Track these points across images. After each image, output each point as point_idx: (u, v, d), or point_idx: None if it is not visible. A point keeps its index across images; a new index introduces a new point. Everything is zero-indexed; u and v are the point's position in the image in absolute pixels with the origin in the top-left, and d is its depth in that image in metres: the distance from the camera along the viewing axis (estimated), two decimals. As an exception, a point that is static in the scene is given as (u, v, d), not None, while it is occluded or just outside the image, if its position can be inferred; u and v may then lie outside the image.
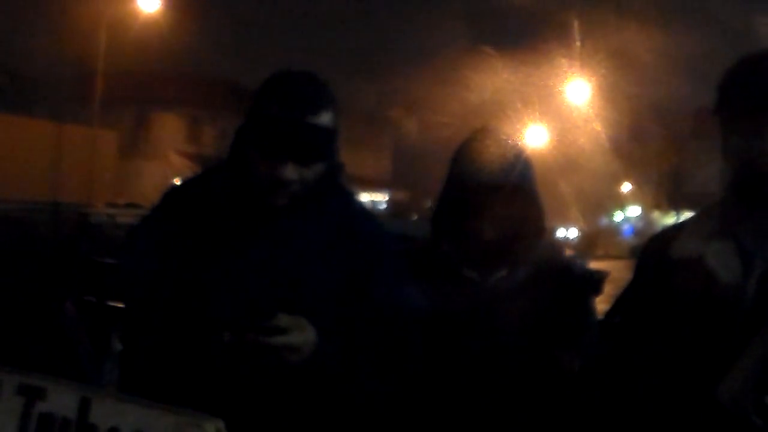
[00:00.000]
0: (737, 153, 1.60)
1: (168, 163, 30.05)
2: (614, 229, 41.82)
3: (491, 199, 1.83)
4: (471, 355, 1.83)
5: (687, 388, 1.55)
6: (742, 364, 1.47)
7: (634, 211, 44.93)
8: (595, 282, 1.89)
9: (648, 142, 37.89)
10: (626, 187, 43.33)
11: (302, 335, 1.59)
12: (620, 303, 1.76)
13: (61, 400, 1.50)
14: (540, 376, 1.80)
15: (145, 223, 1.88)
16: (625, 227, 42.79)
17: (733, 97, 1.62)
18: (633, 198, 43.70)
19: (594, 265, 2.29)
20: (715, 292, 1.55)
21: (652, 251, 1.73)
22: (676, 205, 37.71)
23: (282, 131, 1.66)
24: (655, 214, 42.48)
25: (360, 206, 1.89)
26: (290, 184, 1.68)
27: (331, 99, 1.74)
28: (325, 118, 1.70)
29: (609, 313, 1.79)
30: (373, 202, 47.76)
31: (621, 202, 44.50)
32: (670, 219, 40.50)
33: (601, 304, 1.89)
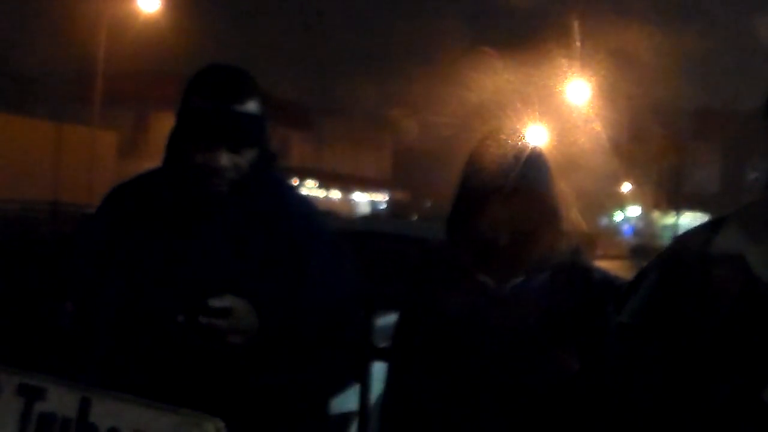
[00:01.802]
0: None
1: (168, 163, 29.98)
2: (614, 229, 41.80)
3: (506, 203, 1.78)
4: (484, 363, 1.79)
5: (727, 393, 1.52)
6: None
7: (634, 211, 44.92)
8: (615, 289, 1.83)
9: (648, 142, 37.89)
10: (626, 187, 43.35)
11: (246, 318, 1.67)
12: (638, 305, 1.71)
13: (61, 400, 1.50)
14: (556, 386, 1.76)
15: (89, 221, 1.99)
16: (625, 227, 42.77)
17: None
18: (633, 198, 43.69)
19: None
20: (758, 293, 1.51)
21: (684, 251, 1.68)
22: (676, 205, 37.72)
23: (210, 120, 1.77)
24: (655, 215, 42.48)
25: (295, 193, 2.01)
26: (225, 170, 1.77)
27: (255, 89, 1.83)
28: (250, 106, 1.79)
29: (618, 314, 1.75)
30: (372, 202, 47.76)
31: (621, 202, 44.48)
32: (669, 219, 40.49)
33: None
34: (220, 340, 1.64)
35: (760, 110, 1.61)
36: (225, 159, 1.77)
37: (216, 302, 1.62)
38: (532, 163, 1.82)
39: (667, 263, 1.70)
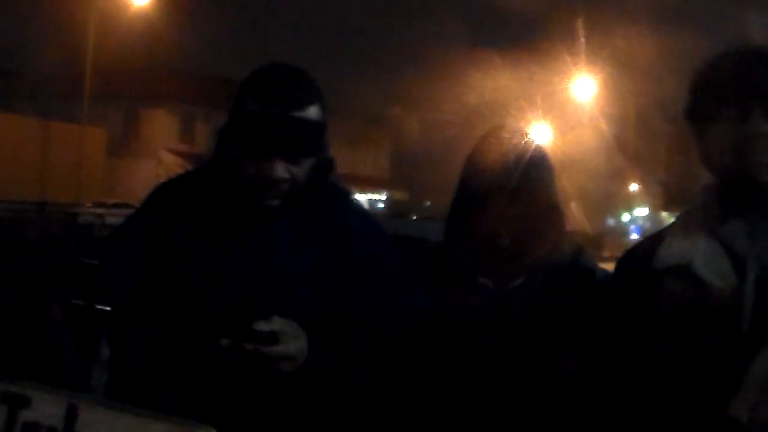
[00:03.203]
0: (717, 155, 1.59)
1: (159, 162, 30.03)
2: (621, 230, 41.80)
3: (507, 203, 1.78)
4: (484, 366, 1.79)
5: (688, 407, 1.51)
6: (755, 376, 1.44)
7: (641, 211, 44.95)
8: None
9: (656, 140, 37.92)
10: (633, 186, 43.36)
11: (296, 343, 1.57)
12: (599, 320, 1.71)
13: (47, 409, 1.49)
14: (557, 388, 1.76)
15: (130, 222, 1.86)
16: (633, 228, 42.79)
17: (706, 99, 1.61)
18: (640, 198, 43.71)
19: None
20: (709, 301, 1.52)
21: (632, 264, 1.69)
22: (686, 206, 37.70)
23: (268, 128, 1.65)
24: (664, 215, 42.49)
25: (354, 204, 1.87)
26: (280, 182, 1.67)
27: (317, 93, 1.72)
28: (311, 112, 1.68)
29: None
30: (370, 201, 47.78)
31: (628, 203, 44.51)
32: (678, 220, 40.42)
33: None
34: (267, 368, 1.55)
35: (683, 113, 1.63)
36: (281, 170, 1.65)
37: (262, 326, 1.52)
38: (535, 162, 1.82)
39: (616, 279, 1.71)
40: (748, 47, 1.61)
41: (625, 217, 45.40)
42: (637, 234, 41.30)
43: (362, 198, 47.53)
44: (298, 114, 1.66)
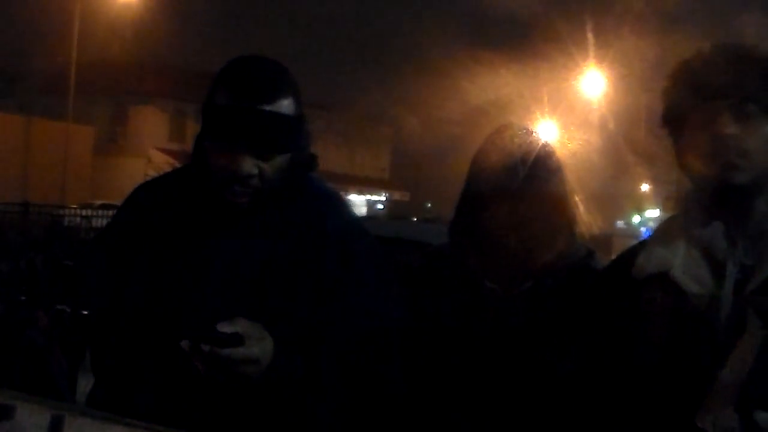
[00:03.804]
0: (691, 159, 1.61)
1: (149, 161, 30.05)
2: (631, 232, 41.82)
3: (512, 204, 1.78)
4: (492, 371, 1.80)
5: (668, 417, 1.53)
6: (722, 384, 1.46)
7: (652, 212, 44.96)
8: None
9: (668, 138, 37.88)
10: (644, 187, 43.40)
11: (260, 345, 1.57)
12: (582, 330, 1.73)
13: (31, 419, 1.49)
14: (565, 394, 1.76)
15: (109, 225, 1.90)
16: (643, 230, 42.79)
17: (676, 103, 1.62)
18: (651, 199, 43.70)
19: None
20: (687, 308, 1.54)
21: (614, 273, 1.71)
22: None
23: (235, 121, 1.64)
24: (675, 216, 42.43)
25: (335, 204, 1.83)
26: (248, 178, 1.65)
27: (291, 86, 1.70)
28: (283, 106, 1.66)
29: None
30: (370, 202, 47.82)
31: (638, 203, 44.51)
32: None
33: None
34: (229, 370, 1.55)
35: (660, 120, 1.65)
36: (249, 165, 1.64)
37: (225, 327, 1.53)
38: (542, 161, 1.81)
39: (597, 291, 1.73)
40: (713, 47, 1.62)
41: (636, 218, 45.43)
42: (648, 236, 41.29)
43: (362, 198, 47.60)
44: (268, 108, 1.65)
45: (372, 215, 40.07)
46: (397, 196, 49.80)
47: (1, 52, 30.80)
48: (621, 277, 1.66)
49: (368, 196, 48.23)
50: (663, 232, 1.70)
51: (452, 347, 1.83)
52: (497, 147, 1.85)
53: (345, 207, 1.86)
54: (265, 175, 1.67)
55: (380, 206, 47.90)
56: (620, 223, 44.20)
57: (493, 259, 1.83)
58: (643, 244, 1.72)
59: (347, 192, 46.61)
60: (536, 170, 1.80)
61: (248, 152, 1.64)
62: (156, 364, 1.67)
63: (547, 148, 1.85)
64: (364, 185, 47.43)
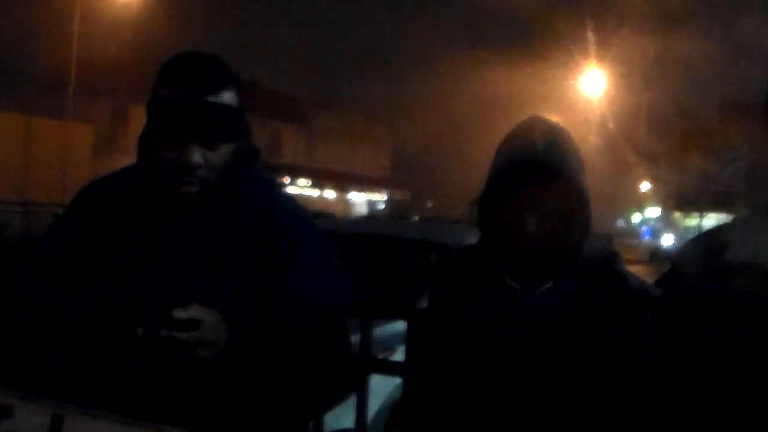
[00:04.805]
0: None
1: (148, 160, 29.93)
2: (632, 231, 41.83)
3: (532, 182, 1.77)
4: (506, 371, 1.79)
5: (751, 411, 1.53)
6: None
7: (653, 211, 44.93)
8: (653, 300, 1.81)
9: (668, 137, 37.92)
10: (645, 186, 43.36)
11: (214, 329, 1.65)
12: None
13: (30, 418, 1.49)
14: (585, 395, 1.74)
15: (58, 221, 1.98)
16: (644, 229, 42.79)
17: None
18: (652, 198, 43.71)
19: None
20: None
21: (699, 257, 1.69)
22: (700, 206, 37.72)
23: (181, 113, 1.74)
24: (676, 215, 42.51)
25: (280, 194, 1.95)
26: (196, 168, 1.75)
27: (232, 79, 1.81)
28: (225, 97, 1.77)
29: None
30: (370, 201, 47.81)
31: (639, 203, 44.50)
32: (692, 221, 40.50)
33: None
34: (185, 354, 1.62)
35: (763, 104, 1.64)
36: (196, 155, 1.74)
37: (180, 313, 1.60)
38: (562, 142, 1.81)
39: (675, 271, 1.72)
40: None
41: (636, 217, 45.42)
42: (649, 235, 41.33)
43: (362, 198, 47.59)
44: (212, 99, 1.75)
45: (372, 214, 40.06)
46: (398, 195, 49.79)
47: (1, 51, 30.77)
48: (705, 265, 1.64)
49: (369, 196, 48.20)
50: (755, 219, 1.67)
51: (472, 347, 1.82)
52: (519, 130, 1.86)
53: (287, 194, 1.99)
54: (212, 164, 1.77)
55: (381, 205, 47.88)
56: (620, 222, 44.21)
57: (514, 254, 1.82)
58: (722, 230, 1.71)
59: (348, 191, 46.64)
60: (553, 149, 1.79)
61: (195, 143, 1.74)
62: (111, 356, 1.73)
63: (567, 133, 1.86)
64: (365, 184, 47.42)
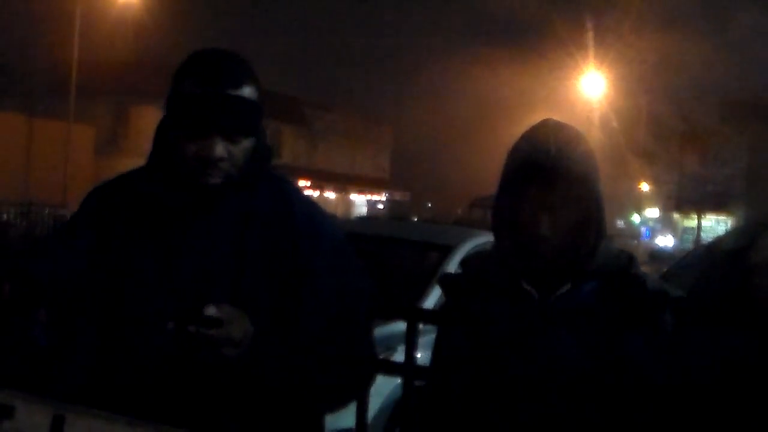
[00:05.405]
0: None
1: (149, 161, 29.94)
2: (631, 232, 41.80)
3: (545, 184, 1.76)
4: (527, 380, 1.77)
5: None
6: None
7: (652, 212, 44.93)
8: (669, 302, 1.81)
9: (668, 139, 37.89)
10: (644, 187, 43.34)
11: (241, 328, 1.65)
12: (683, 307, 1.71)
13: (31, 419, 1.49)
14: (603, 402, 1.73)
15: (69, 222, 1.96)
16: (643, 230, 42.79)
17: None
18: (652, 199, 43.70)
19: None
20: None
21: (729, 253, 1.70)
22: (699, 207, 37.72)
23: (206, 106, 1.75)
24: (676, 216, 42.51)
25: (297, 191, 1.96)
26: (219, 160, 1.75)
27: (251, 74, 1.82)
28: (247, 92, 1.78)
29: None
30: (370, 201, 47.83)
31: (638, 203, 44.49)
32: (691, 221, 40.52)
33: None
34: (211, 351, 1.63)
35: None
36: (220, 148, 1.74)
37: (211, 310, 1.61)
38: (574, 143, 1.79)
39: (709, 265, 1.72)
40: None
41: (636, 218, 45.42)
42: (648, 236, 41.33)
43: (362, 198, 47.61)
44: (234, 92, 1.76)
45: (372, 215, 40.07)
46: (397, 195, 49.80)
47: (3, 52, 30.78)
48: (731, 262, 1.66)
49: (369, 196, 48.22)
50: None
51: (490, 352, 1.81)
52: (532, 132, 1.85)
53: (305, 196, 1.98)
54: (234, 158, 1.77)
55: (381, 206, 47.89)
56: (620, 223, 44.19)
57: (530, 258, 1.81)
58: (750, 230, 1.72)
59: (348, 192, 46.65)
60: (567, 150, 1.78)
61: (218, 136, 1.75)
62: (131, 353, 1.73)
63: (581, 135, 1.85)
64: (365, 185, 47.43)
